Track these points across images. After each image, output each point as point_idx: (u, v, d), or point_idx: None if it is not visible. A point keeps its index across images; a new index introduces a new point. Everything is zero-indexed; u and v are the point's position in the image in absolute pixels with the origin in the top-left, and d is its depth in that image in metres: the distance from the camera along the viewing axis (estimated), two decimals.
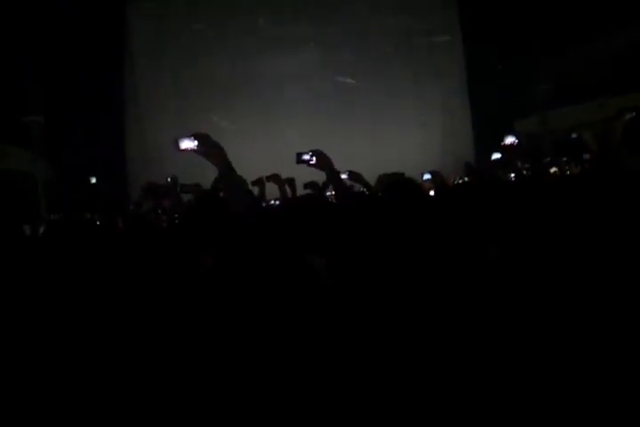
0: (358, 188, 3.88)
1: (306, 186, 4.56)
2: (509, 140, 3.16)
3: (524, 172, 3.95)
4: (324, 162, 2.59)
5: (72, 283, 2.31)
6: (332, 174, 2.63)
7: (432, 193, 4.23)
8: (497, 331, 1.94)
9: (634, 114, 2.74)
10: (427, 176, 4.54)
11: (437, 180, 4.44)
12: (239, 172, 2.33)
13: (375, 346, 1.90)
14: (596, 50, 14.76)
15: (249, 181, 3.56)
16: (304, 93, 13.84)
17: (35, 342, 2.08)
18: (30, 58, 11.94)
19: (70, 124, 12.30)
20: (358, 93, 14.19)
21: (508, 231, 2.47)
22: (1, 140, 11.93)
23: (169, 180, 4.17)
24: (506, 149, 3.21)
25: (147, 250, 2.71)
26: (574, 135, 3.25)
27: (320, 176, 2.98)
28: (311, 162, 2.55)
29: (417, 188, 2.44)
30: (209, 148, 2.20)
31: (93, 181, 4.62)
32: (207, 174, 3.29)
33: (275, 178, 3.82)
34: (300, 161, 2.57)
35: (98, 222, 3.88)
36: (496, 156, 3.41)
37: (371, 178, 3.91)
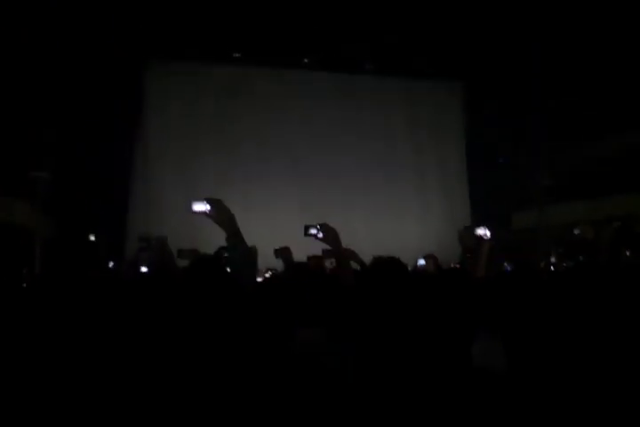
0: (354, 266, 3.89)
1: (309, 259, 4.60)
2: (480, 231, 3.09)
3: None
4: (330, 236, 2.63)
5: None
6: (338, 250, 2.67)
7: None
8: None
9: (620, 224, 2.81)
10: (421, 262, 4.60)
11: (431, 263, 4.50)
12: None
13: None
14: (598, 149, 15.23)
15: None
16: (306, 171, 14.19)
17: None
18: (41, 115, 12.26)
19: (76, 182, 12.47)
20: (358, 177, 14.52)
21: (499, 320, 2.48)
22: (7, 193, 12.05)
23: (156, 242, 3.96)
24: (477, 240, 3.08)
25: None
26: (577, 231, 3.24)
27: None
28: (318, 236, 2.59)
29: (400, 266, 2.48)
30: (220, 213, 2.29)
31: (92, 238, 4.59)
32: (206, 238, 3.32)
33: (285, 251, 3.83)
34: (307, 234, 2.61)
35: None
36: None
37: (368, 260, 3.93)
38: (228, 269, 2.71)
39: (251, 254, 2.70)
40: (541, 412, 2.05)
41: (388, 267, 2.49)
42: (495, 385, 2.17)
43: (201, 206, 2.30)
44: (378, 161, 14.78)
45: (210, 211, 2.30)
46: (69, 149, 12.42)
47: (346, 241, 2.75)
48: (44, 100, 11.99)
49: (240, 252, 2.35)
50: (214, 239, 2.89)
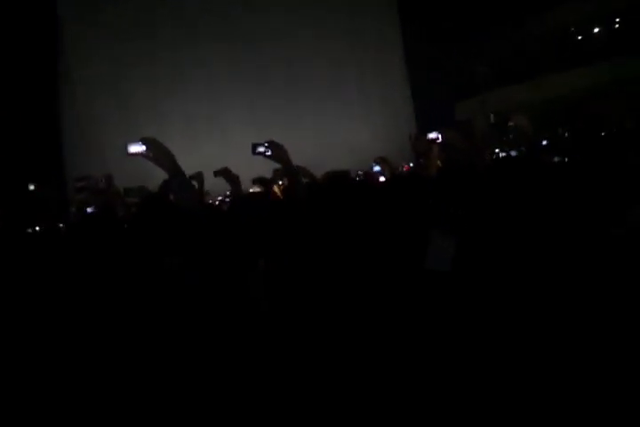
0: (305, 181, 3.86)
1: (254, 181, 4.51)
2: (432, 135, 3.14)
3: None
4: (279, 153, 2.54)
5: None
6: (288, 166, 2.59)
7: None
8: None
9: None
10: (376, 168, 4.59)
11: (385, 167, 4.48)
12: (184, 165, 2.31)
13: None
14: (530, 30, 15.20)
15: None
16: (249, 86, 13.76)
17: None
18: None
19: (2, 126, 11.87)
20: (301, 86, 14.19)
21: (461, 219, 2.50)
22: None
23: (102, 180, 3.90)
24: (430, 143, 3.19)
25: (102, 253, 2.64)
26: (511, 123, 3.21)
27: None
28: (267, 153, 2.50)
29: (350, 180, 2.49)
30: (157, 152, 2.21)
31: (32, 187, 4.31)
32: (151, 175, 3.21)
33: (225, 172, 3.67)
34: (255, 152, 2.51)
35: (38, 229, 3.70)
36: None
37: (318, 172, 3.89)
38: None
39: (192, 185, 2.64)
40: (486, 312, 2.09)
41: (340, 181, 2.49)
42: (441, 285, 2.20)
43: (137, 148, 2.18)
44: (320, 67, 14.43)
45: (146, 151, 2.19)
46: None
47: (294, 151, 2.67)
48: None
49: (184, 187, 2.30)
50: (159, 174, 2.77)
